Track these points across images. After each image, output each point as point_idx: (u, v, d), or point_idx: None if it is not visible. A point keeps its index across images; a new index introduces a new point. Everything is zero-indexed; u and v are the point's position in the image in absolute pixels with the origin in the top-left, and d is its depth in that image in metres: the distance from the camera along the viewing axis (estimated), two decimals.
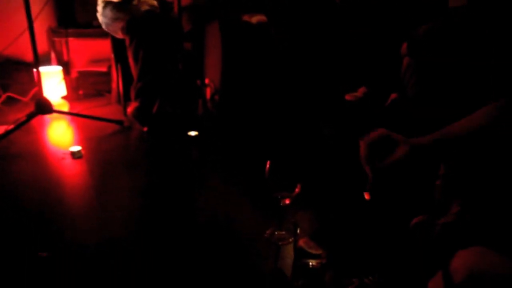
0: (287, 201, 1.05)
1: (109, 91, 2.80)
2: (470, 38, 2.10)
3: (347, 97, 2.65)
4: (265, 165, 1.03)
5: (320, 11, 2.98)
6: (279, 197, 1.04)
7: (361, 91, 2.65)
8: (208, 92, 2.46)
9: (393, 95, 2.36)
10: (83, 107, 2.59)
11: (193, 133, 1.96)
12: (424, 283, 0.69)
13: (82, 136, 2.07)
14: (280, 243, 1.08)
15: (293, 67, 2.75)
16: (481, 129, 0.75)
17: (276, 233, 1.12)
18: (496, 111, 0.75)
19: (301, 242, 0.94)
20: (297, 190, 1.03)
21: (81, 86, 2.91)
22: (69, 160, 1.70)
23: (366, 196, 0.85)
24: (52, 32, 2.86)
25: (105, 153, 1.82)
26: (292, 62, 2.75)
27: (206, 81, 2.51)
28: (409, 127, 1.98)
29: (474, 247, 0.63)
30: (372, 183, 0.84)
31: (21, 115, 2.07)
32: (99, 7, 2.25)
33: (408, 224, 0.81)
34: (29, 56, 2.84)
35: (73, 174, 1.60)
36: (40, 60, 2.39)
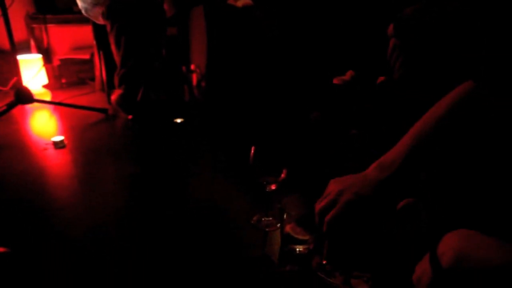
0: (273, 187, 1.03)
1: (93, 79, 2.74)
2: (457, 18, 2.09)
3: (335, 81, 2.64)
4: (250, 150, 1.01)
5: None
6: (264, 183, 1.03)
7: (348, 74, 2.64)
8: (194, 78, 2.42)
9: (381, 78, 2.35)
10: (66, 96, 2.53)
11: (179, 120, 1.93)
12: (411, 266, 0.68)
13: (65, 126, 2.02)
14: (267, 229, 1.08)
15: (279, 51, 2.71)
16: (448, 125, 0.72)
17: (263, 219, 1.11)
18: (460, 96, 0.73)
19: (288, 228, 0.93)
20: (283, 175, 1.01)
21: (64, 74, 2.84)
22: (51, 150, 1.66)
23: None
24: (30, 19, 2.77)
25: (89, 142, 1.78)
26: (278, 46, 2.71)
27: (192, 67, 2.47)
28: (396, 109, 1.99)
29: (460, 230, 0.62)
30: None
31: (0, 105, 2.02)
32: None
33: (395, 207, 0.80)
34: (6, 44, 2.76)
35: (56, 164, 1.56)
36: (19, 48, 2.32)
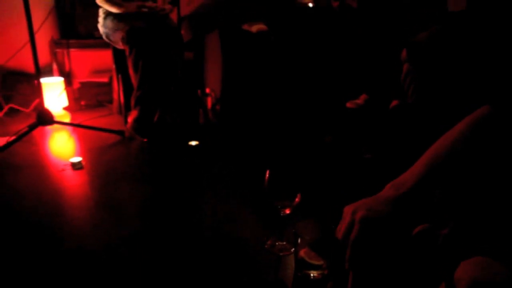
0: (288, 211, 1.04)
1: (111, 102, 2.81)
2: (470, 43, 2.09)
3: (348, 104, 2.65)
4: (265, 174, 1.02)
5: (319, 19, 2.99)
6: (279, 206, 1.03)
7: (362, 98, 2.65)
8: (209, 102, 2.47)
9: (394, 102, 2.36)
10: (84, 118, 2.60)
11: (193, 142, 1.96)
12: None
13: (83, 147, 2.07)
14: (280, 253, 1.07)
15: (293, 75, 2.75)
16: (464, 148, 0.73)
17: (276, 243, 1.10)
18: (476, 121, 0.74)
19: (302, 253, 0.92)
20: (297, 199, 1.02)
21: (83, 96, 2.93)
22: (69, 171, 1.69)
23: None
24: (54, 44, 2.88)
25: (106, 164, 1.81)
26: (293, 70, 2.76)
27: (207, 90, 2.52)
28: (409, 133, 1.98)
29: (477, 258, 0.62)
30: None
31: (22, 126, 2.08)
32: (100, 18, 2.27)
33: (410, 233, 0.80)
34: (31, 68, 2.86)
35: (73, 185, 1.59)
36: (42, 71, 2.41)
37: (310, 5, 3.19)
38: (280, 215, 1.04)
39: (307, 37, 2.93)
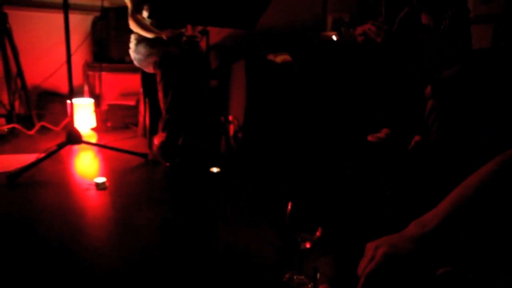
0: (308, 245, 1.03)
1: (136, 124, 2.89)
2: (495, 81, 2.08)
3: (370, 138, 2.64)
4: (286, 206, 1.02)
5: (343, 53, 3.04)
6: (299, 239, 1.02)
7: (384, 132, 2.64)
8: (232, 129, 2.50)
9: (417, 138, 2.34)
10: (110, 139, 2.67)
11: (215, 169, 1.98)
12: None
13: (108, 168, 2.12)
14: None
15: (316, 106, 2.77)
16: (493, 188, 0.72)
17: (295, 277, 1.09)
18: (507, 162, 0.73)
19: None
20: (318, 233, 1.01)
21: (110, 118, 3.03)
22: (93, 191, 1.73)
23: None
24: (88, 67, 3.02)
25: (129, 185, 1.85)
26: (316, 102, 2.78)
27: (230, 118, 2.56)
28: (432, 170, 1.95)
29: None
30: None
31: (52, 144, 2.15)
32: (132, 44, 2.38)
33: (434, 273, 0.78)
34: (64, 88, 3.01)
35: (96, 205, 1.63)
36: (74, 92, 2.52)
37: (334, 38, 3.26)
38: (300, 248, 1.03)
39: (331, 70, 2.97)
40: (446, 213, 0.74)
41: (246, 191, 1.80)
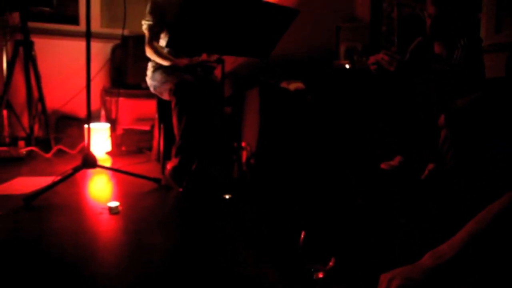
0: (320, 275, 1.01)
1: (150, 149, 2.93)
2: (509, 110, 2.06)
3: (383, 165, 2.63)
4: (299, 235, 1.01)
5: (356, 81, 3.07)
6: (312, 269, 1.01)
7: (397, 160, 2.62)
8: (244, 155, 2.52)
9: (430, 166, 2.31)
10: (124, 163, 2.71)
11: (227, 196, 1.98)
12: None
13: (121, 192, 2.14)
14: None
15: (329, 134, 2.78)
16: (508, 222, 0.72)
17: None
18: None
19: None
20: (331, 263, 1.00)
21: (125, 142, 3.08)
22: (106, 215, 1.75)
23: None
24: (105, 92, 3.10)
25: (142, 210, 1.86)
26: (328, 129, 2.79)
27: (243, 144, 2.58)
28: (446, 199, 1.91)
29: None
30: None
31: (68, 167, 2.19)
32: (149, 71, 2.45)
33: None
34: (81, 113, 3.09)
35: (109, 229, 1.64)
36: (91, 117, 2.58)
37: (347, 66, 3.30)
38: (312, 278, 1.01)
39: (343, 98, 3.00)
40: (460, 246, 0.74)
41: (258, 218, 1.79)
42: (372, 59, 2.35)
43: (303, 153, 2.58)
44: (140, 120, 3.28)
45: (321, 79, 3.15)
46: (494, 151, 2.01)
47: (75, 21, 3.29)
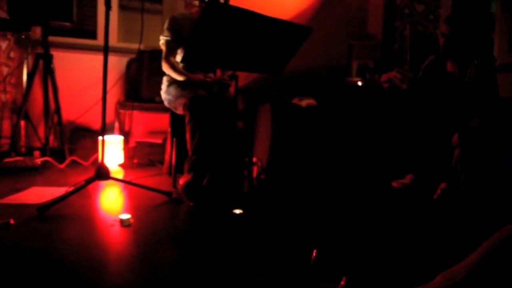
0: None
1: (161, 162, 2.96)
2: None
3: (394, 183, 2.61)
4: (311, 251, 1.01)
5: (368, 99, 3.07)
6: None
7: (408, 178, 2.60)
8: (255, 171, 2.52)
9: (443, 185, 2.28)
10: (135, 176, 2.73)
11: (238, 211, 1.98)
12: None
13: (132, 204, 2.15)
14: None
15: (340, 150, 2.78)
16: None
17: None
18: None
19: None
20: (342, 282, 0.99)
21: (137, 155, 3.11)
22: (117, 227, 1.76)
23: None
24: (120, 105, 3.16)
25: (153, 223, 1.87)
26: (340, 146, 2.79)
27: (254, 159, 2.59)
28: (459, 218, 1.88)
29: None
30: None
31: (80, 178, 2.22)
32: (164, 86, 2.49)
33: None
34: (95, 125, 3.14)
35: (119, 241, 1.65)
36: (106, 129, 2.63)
37: (359, 83, 3.31)
38: None
39: (355, 114, 3.00)
40: (473, 268, 0.74)
41: (269, 234, 1.78)
42: (384, 77, 2.36)
43: (314, 169, 2.58)
44: (152, 133, 3.32)
45: (333, 95, 3.17)
46: (508, 171, 1.99)
47: (93, 36, 3.38)
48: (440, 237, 1.73)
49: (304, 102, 2.90)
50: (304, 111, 2.80)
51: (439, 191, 2.30)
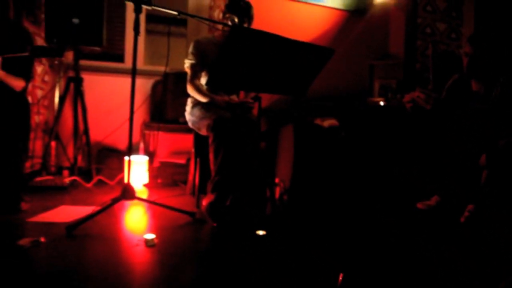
0: None
1: (185, 183, 2.99)
2: None
3: (419, 205, 2.55)
4: (337, 277, 1.00)
5: (390, 119, 3.05)
6: None
7: (434, 199, 2.54)
8: (277, 192, 2.52)
9: (470, 207, 2.22)
10: (159, 196, 2.78)
11: (261, 232, 1.98)
12: None
13: (157, 224, 2.18)
14: None
15: (363, 171, 2.75)
16: None
17: None
18: None
19: None
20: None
21: (161, 175, 3.16)
22: (142, 247, 1.78)
23: None
24: (145, 126, 3.24)
25: (177, 243, 1.88)
26: (363, 167, 2.76)
27: (277, 180, 2.59)
28: (486, 242, 1.82)
29: None
30: None
31: (106, 198, 2.28)
32: (188, 107, 2.55)
33: None
34: (121, 145, 3.23)
35: (144, 262, 1.67)
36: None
37: (382, 103, 3.29)
38: None
39: (378, 135, 2.98)
40: None
41: (291, 256, 1.77)
42: (407, 97, 2.34)
43: (337, 190, 2.56)
44: (176, 153, 3.38)
45: (355, 116, 3.16)
46: None
47: (121, 59, 3.51)
48: (468, 263, 1.68)
49: (326, 123, 2.90)
50: (326, 132, 2.79)
51: (466, 213, 2.24)
